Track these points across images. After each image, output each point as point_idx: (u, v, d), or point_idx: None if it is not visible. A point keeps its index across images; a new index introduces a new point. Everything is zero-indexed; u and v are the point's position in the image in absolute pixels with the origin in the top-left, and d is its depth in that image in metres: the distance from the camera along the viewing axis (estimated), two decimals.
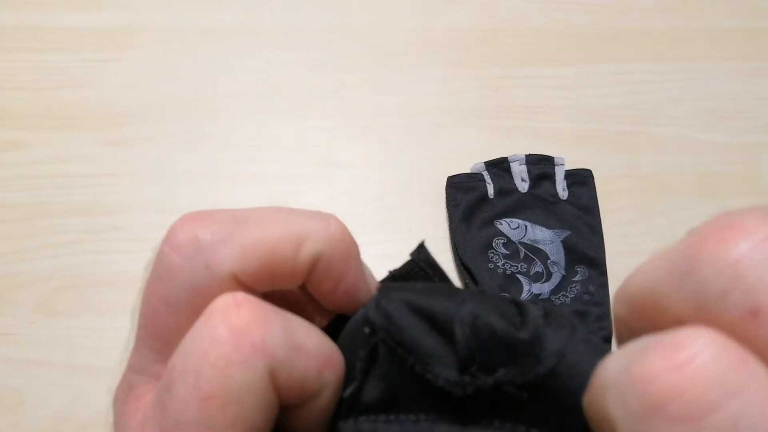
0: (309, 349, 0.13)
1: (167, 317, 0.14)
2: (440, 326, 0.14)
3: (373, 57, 0.68)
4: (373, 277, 0.16)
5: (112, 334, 0.55)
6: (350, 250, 0.15)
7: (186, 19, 0.68)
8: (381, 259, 0.55)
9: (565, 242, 0.60)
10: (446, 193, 0.62)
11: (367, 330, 0.14)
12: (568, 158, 0.63)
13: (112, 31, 0.67)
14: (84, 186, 0.61)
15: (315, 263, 0.14)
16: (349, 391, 0.14)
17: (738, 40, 0.71)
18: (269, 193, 0.61)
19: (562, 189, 0.62)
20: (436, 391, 0.14)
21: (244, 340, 0.12)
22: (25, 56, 0.66)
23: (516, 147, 0.63)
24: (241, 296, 0.13)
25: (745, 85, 0.69)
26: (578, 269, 0.59)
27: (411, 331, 0.14)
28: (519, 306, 0.14)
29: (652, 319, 0.12)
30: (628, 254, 0.61)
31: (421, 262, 0.17)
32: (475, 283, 0.58)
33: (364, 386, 0.14)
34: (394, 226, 0.61)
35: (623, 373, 0.11)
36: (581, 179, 0.63)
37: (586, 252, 0.59)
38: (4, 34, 0.66)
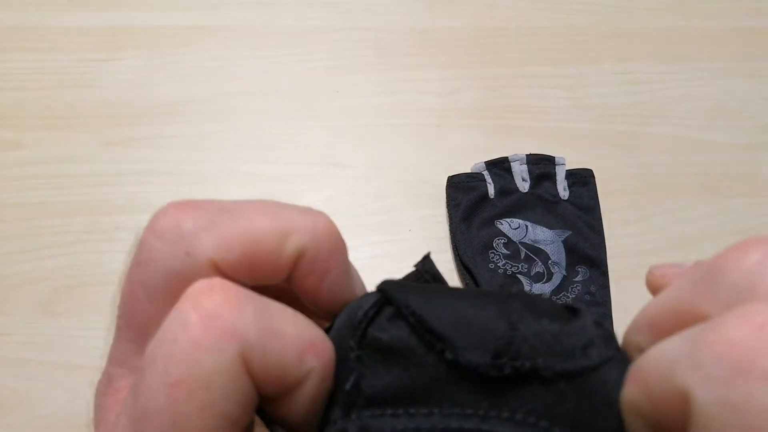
0: (286, 334, 0.13)
1: (146, 305, 0.14)
2: (473, 319, 0.13)
3: (373, 57, 0.68)
4: (361, 281, 0.16)
5: (112, 334, 0.55)
6: (337, 247, 0.15)
7: (186, 19, 0.68)
8: (381, 259, 0.56)
9: (566, 242, 0.60)
10: (446, 193, 0.62)
11: (381, 311, 0.14)
12: (568, 158, 0.63)
13: (112, 31, 0.67)
14: (84, 186, 0.61)
15: (299, 258, 0.14)
16: (349, 384, 0.14)
17: (738, 40, 0.71)
18: (269, 193, 0.61)
19: (563, 189, 0.62)
20: (455, 382, 0.13)
21: (214, 323, 0.12)
22: (25, 56, 0.66)
23: (516, 147, 0.63)
24: (216, 281, 0.13)
25: (745, 85, 0.69)
26: (579, 269, 0.59)
27: (441, 319, 0.13)
28: (570, 307, 0.14)
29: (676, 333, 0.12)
30: (629, 254, 0.61)
31: (425, 274, 0.16)
32: (476, 283, 0.57)
33: (366, 378, 0.14)
34: (394, 226, 0.61)
35: (694, 345, 0.11)
36: (582, 179, 0.63)
37: (587, 252, 0.59)
38: (4, 34, 0.66)
